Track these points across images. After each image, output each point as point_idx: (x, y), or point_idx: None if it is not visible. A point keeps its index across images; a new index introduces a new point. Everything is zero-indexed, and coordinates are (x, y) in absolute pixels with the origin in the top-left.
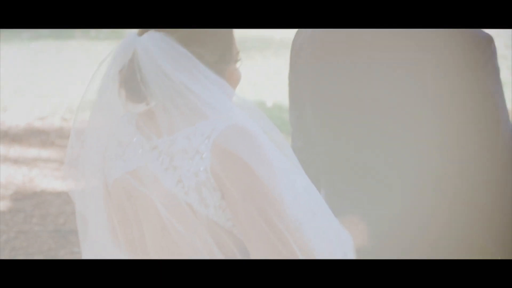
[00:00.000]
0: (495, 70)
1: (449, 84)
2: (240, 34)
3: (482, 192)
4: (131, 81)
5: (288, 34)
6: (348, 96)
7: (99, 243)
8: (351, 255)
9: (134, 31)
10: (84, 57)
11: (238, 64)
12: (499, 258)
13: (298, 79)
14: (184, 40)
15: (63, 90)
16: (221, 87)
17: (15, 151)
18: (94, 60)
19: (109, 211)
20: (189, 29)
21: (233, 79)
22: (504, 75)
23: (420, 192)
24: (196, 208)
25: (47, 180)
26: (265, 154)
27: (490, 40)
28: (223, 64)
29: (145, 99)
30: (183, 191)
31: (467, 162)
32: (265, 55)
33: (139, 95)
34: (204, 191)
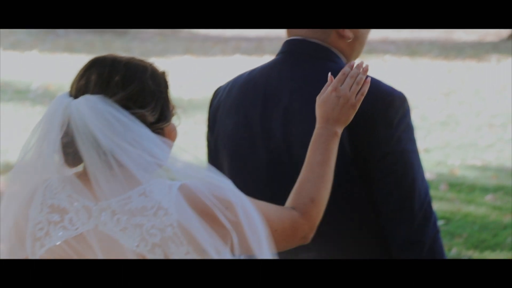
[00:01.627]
0: (409, 128)
1: (365, 141)
2: None
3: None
4: (67, 146)
5: (196, 96)
6: (265, 153)
7: None
8: None
9: (67, 91)
10: None
11: (175, 119)
12: None
13: (217, 138)
14: (124, 102)
15: None
16: (159, 146)
17: None
18: None
19: None
20: (129, 91)
21: (171, 137)
22: None
23: (341, 250)
24: None
25: None
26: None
27: (403, 98)
28: (163, 123)
29: (80, 163)
30: (147, 249)
31: (384, 220)
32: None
33: (75, 160)
34: (172, 246)
